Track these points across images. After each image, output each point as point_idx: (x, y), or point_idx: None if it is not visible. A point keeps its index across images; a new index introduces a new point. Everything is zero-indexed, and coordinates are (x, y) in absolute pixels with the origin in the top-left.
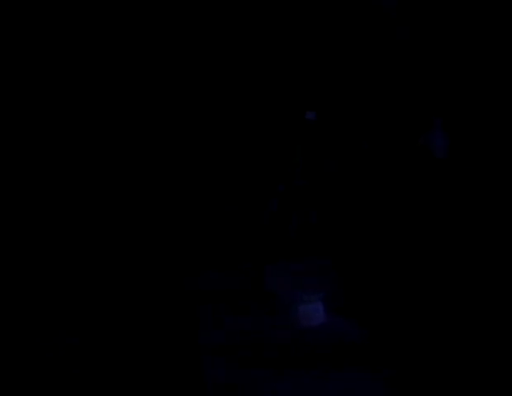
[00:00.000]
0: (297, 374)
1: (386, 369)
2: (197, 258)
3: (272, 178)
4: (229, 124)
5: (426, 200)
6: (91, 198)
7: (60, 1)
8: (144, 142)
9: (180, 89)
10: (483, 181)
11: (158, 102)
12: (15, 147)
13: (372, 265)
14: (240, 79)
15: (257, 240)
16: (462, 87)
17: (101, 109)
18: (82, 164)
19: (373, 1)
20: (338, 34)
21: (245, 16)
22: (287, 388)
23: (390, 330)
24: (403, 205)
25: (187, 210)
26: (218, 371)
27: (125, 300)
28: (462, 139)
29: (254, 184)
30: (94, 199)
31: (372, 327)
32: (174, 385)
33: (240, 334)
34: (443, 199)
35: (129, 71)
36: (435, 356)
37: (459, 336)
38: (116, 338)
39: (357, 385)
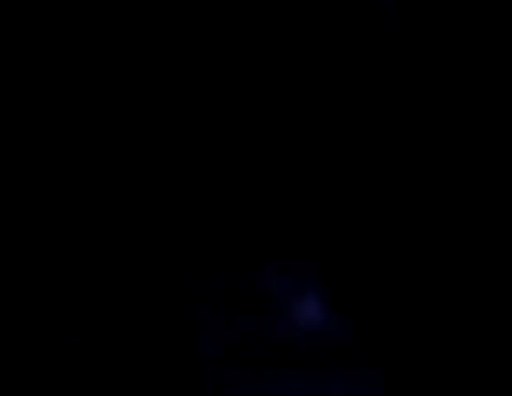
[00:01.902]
0: (297, 374)
1: (380, 368)
2: (197, 258)
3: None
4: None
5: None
6: (91, 198)
7: (60, 1)
8: (142, 140)
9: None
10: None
11: (158, 102)
12: (15, 147)
13: (363, 263)
14: (237, 80)
15: (256, 239)
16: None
17: (102, 109)
18: (81, 164)
19: (373, 1)
20: (338, 34)
21: (247, 16)
22: (287, 388)
23: (381, 329)
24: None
25: (187, 211)
26: (218, 371)
27: (126, 301)
28: None
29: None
30: (94, 199)
31: (363, 326)
32: (174, 385)
33: (240, 334)
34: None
35: (129, 71)
36: (426, 355)
37: (450, 335)
38: (117, 339)
39: (357, 385)
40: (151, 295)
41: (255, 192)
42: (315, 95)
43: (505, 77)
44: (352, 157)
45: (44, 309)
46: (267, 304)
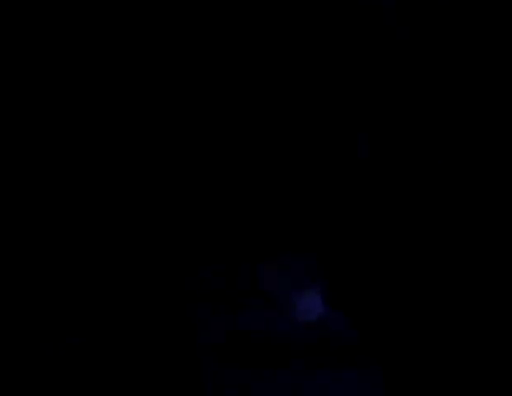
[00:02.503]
0: (297, 374)
1: (380, 368)
2: (196, 258)
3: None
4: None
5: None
6: (90, 198)
7: (60, 1)
8: (141, 142)
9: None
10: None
11: (158, 102)
12: (15, 147)
13: (361, 261)
14: (237, 79)
15: (253, 237)
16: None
17: (102, 109)
18: (81, 164)
19: (373, 1)
20: (338, 34)
21: (246, 16)
22: (287, 387)
23: (381, 329)
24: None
25: (187, 211)
26: (218, 371)
27: (125, 300)
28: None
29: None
30: (94, 199)
31: (363, 325)
32: (174, 385)
33: (240, 334)
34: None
35: (129, 71)
36: (426, 355)
37: (451, 334)
38: (117, 339)
39: (357, 385)
40: (151, 295)
41: (255, 192)
42: (314, 94)
43: (505, 77)
44: (352, 158)
45: (44, 309)
46: (267, 303)
